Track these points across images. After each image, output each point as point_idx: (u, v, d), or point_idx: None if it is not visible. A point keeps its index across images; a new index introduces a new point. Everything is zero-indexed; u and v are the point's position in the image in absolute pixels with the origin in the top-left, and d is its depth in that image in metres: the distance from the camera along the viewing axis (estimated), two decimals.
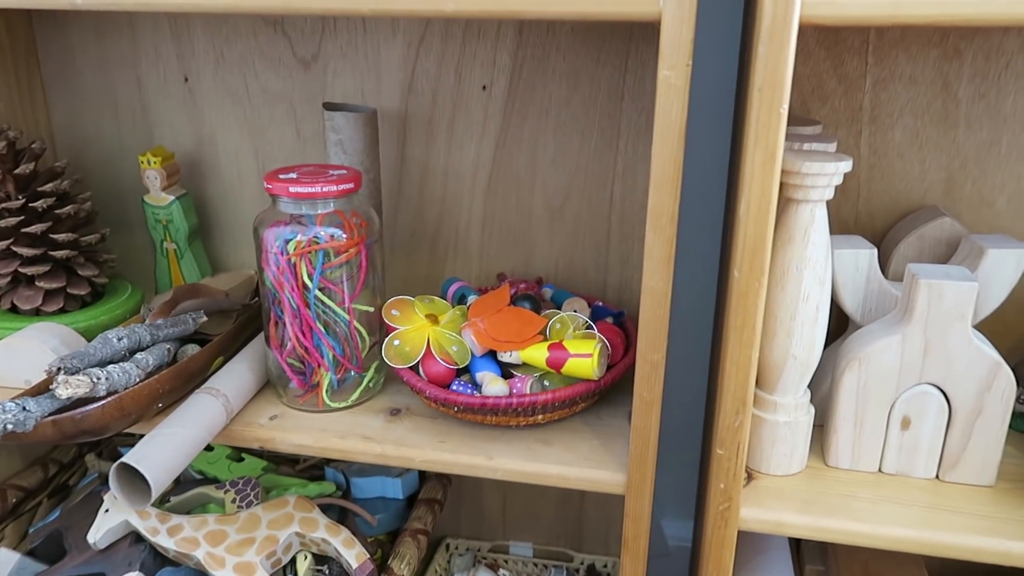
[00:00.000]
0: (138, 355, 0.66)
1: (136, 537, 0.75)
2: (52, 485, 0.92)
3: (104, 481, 0.91)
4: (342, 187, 0.64)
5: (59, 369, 0.59)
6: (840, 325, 0.68)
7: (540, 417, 0.64)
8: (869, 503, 0.57)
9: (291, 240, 0.64)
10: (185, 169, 0.89)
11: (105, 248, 0.86)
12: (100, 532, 0.74)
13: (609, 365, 0.66)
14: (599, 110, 0.78)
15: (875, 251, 0.62)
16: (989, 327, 0.67)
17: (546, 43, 0.77)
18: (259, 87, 0.84)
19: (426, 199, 0.85)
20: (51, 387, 0.59)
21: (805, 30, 0.45)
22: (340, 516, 0.81)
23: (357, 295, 0.67)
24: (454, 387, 0.64)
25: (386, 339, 0.67)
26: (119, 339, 0.65)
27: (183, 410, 0.63)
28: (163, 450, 0.58)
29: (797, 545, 0.78)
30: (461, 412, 0.64)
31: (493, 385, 0.63)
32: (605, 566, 0.97)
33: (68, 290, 0.79)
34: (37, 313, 0.79)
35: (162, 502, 0.81)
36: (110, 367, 0.62)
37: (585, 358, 0.62)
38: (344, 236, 0.65)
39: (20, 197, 0.76)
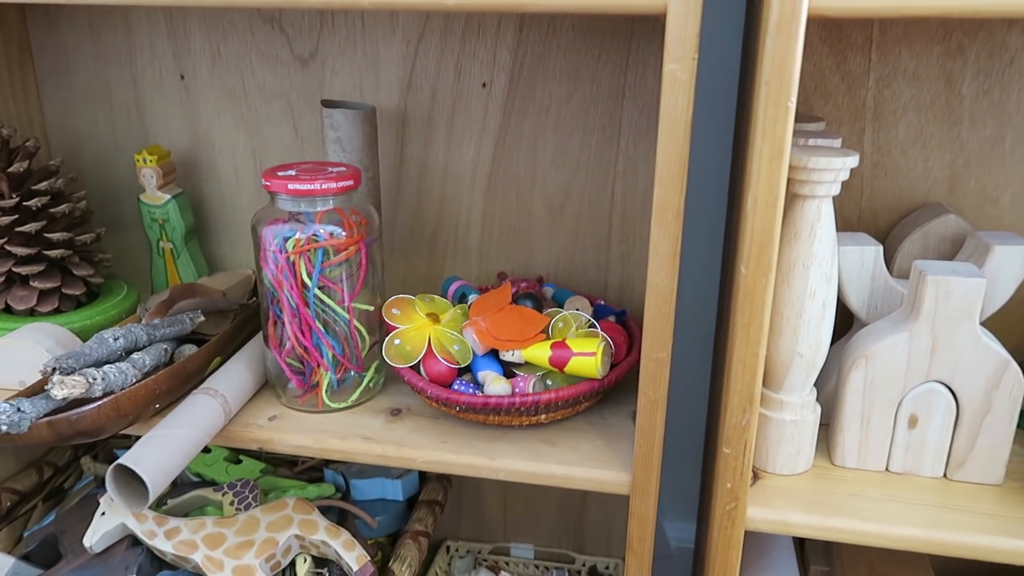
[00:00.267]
0: (135, 355, 0.65)
1: (133, 540, 0.74)
2: (47, 488, 0.91)
3: (100, 484, 0.90)
4: (341, 184, 0.63)
5: (54, 369, 0.58)
6: (844, 324, 0.68)
7: (543, 417, 0.63)
8: (876, 502, 0.56)
9: (290, 238, 0.63)
10: (181, 168, 0.88)
11: (100, 248, 0.85)
12: (96, 535, 0.73)
13: (612, 364, 0.65)
14: (600, 108, 0.78)
15: (880, 248, 0.61)
16: (994, 324, 0.66)
17: (547, 40, 0.76)
18: (256, 85, 0.84)
19: (425, 198, 0.84)
20: (46, 388, 0.58)
21: (808, 25, 0.45)
22: (340, 518, 0.80)
23: (357, 294, 0.66)
24: (456, 387, 0.64)
25: (386, 338, 0.66)
26: (115, 339, 0.64)
27: (180, 411, 0.62)
28: (160, 451, 0.58)
29: (801, 545, 0.78)
30: (463, 412, 0.63)
31: (495, 384, 0.62)
32: (607, 568, 0.97)
33: (63, 290, 0.78)
34: (32, 313, 0.78)
35: (159, 505, 0.80)
36: (106, 367, 0.61)
37: (588, 357, 0.61)
38: (344, 234, 0.64)
39: (14, 196, 0.75)
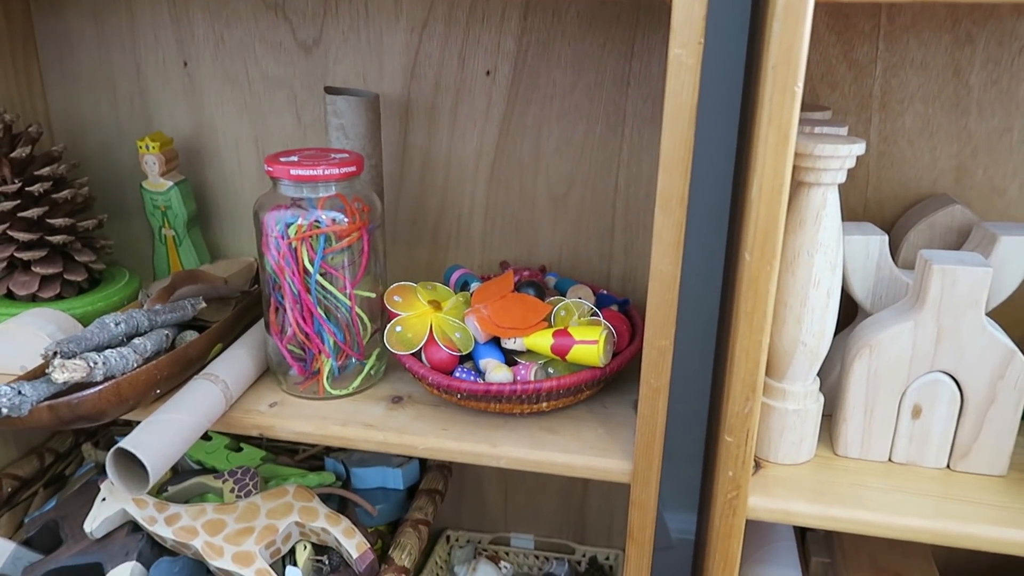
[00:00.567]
0: (136, 340, 0.65)
1: (133, 526, 0.74)
2: (48, 475, 0.91)
3: (101, 470, 0.90)
4: (344, 170, 0.63)
5: (55, 353, 0.58)
6: (849, 314, 0.67)
7: (544, 405, 0.63)
8: (879, 492, 0.56)
9: (292, 224, 0.63)
10: (184, 155, 0.88)
11: (102, 234, 0.85)
12: (96, 521, 0.73)
13: (614, 352, 0.65)
14: (604, 97, 0.77)
15: (886, 237, 0.61)
16: (1000, 316, 0.66)
17: (551, 28, 0.76)
18: (259, 72, 0.83)
19: (428, 186, 0.84)
20: (47, 371, 0.58)
21: (816, 12, 0.45)
22: (340, 506, 0.80)
23: (359, 281, 0.66)
24: (457, 374, 0.63)
25: (388, 325, 0.66)
26: (116, 324, 0.64)
27: (181, 396, 0.62)
28: (161, 436, 0.57)
29: (802, 537, 0.77)
30: (464, 399, 0.63)
31: (497, 372, 0.62)
32: (607, 559, 0.97)
33: (65, 276, 0.78)
34: (33, 299, 0.78)
35: (160, 491, 0.80)
36: (107, 352, 0.61)
37: (591, 345, 0.61)
38: (346, 220, 0.63)
39: (16, 181, 0.75)
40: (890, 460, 0.59)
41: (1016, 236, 0.59)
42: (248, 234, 0.91)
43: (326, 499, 0.79)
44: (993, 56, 0.67)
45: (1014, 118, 0.68)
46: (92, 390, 0.59)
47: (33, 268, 0.76)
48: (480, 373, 0.64)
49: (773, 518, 0.55)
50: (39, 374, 0.62)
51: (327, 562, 0.73)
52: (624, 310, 0.72)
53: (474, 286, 0.71)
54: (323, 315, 0.65)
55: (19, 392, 0.56)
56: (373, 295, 0.68)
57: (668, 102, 0.49)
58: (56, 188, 0.78)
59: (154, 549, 0.73)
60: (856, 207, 0.73)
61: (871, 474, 0.58)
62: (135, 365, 0.63)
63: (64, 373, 0.57)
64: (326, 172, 0.62)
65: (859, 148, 0.52)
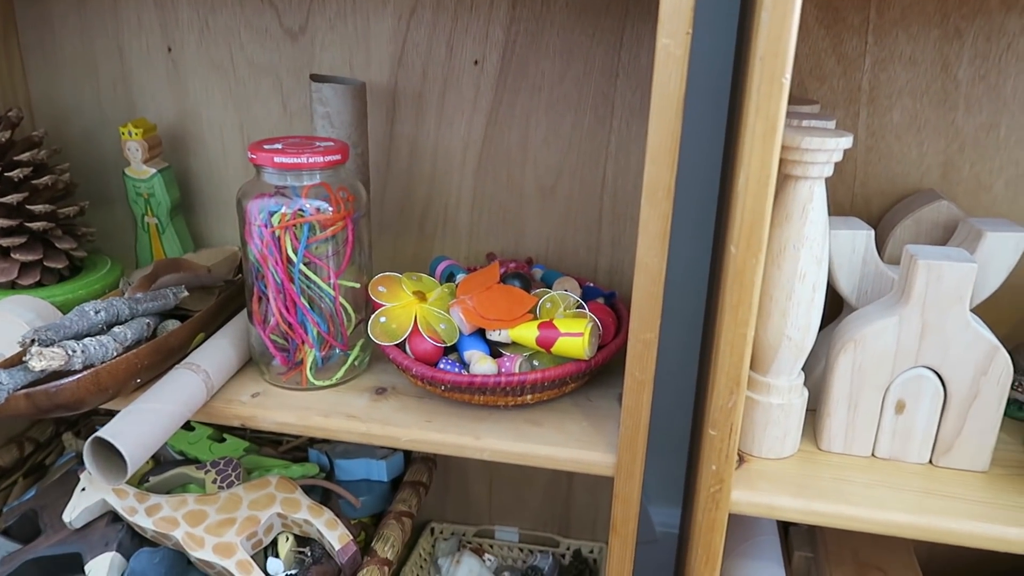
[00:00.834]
0: (116, 329, 0.64)
1: (113, 517, 0.74)
2: (28, 464, 0.90)
3: (81, 460, 0.89)
4: (328, 158, 0.62)
5: (33, 340, 0.57)
6: (834, 309, 0.67)
7: (529, 397, 0.63)
8: (862, 487, 0.56)
9: (275, 212, 0.62)
10: (168, 142, 0.87)
11: (84, 221, 0.84)
12: (76, 511, 0.72)
13: (600, 345, 0.64)
14: (593, 88, 0.77)
15: (872, 232, 0.61)
16: (984, 313, 0.66)
17: (540, 18, 0.75)
18: (245, 59, 0.82)
19: (415, 177, 0.83)
20: (24, 359, 0.57)
21: (805, 5, 0.44)
22: (323, 498, 0.80)
23: (343, 271, 0.65)
24: (441, 366, 0.63)
25: (372, 316, 0.65)
26: (96, 312, 0.63)
27: (162, 386, 0.61)
28: (140, 425, 0.57)
29: (785, 531, 0.78)
30: (448, 391, 0.63)
31: (481, 364, 0.62)
32: (591, 552, 0.96)
33: (45, 263, 0.77)
34: (12, 286, 0.76)
35: (141, 482, 0.79)
36: (87, 340, 0.60)
37: (576, 337, 0.60)
38: (330, 209, 0.63)
39: None
40: (873, 455, 0.59)
41: (1001, 232, 0.59)
42: (232, 223, 0.90)
43: (309, 490, 0.78)
44: (981, 51, 0.67)
45: (1001, 114, 0.68)
46: (71, 379, 0.58)
47: (12, 255, 0.75)
48: (465, 365, 0.63)
49: (756, 512, 0.55)
50: (16, 362, 0.61)
51: (309, 554, 0.73)
52: (610, 303, 0.72)
53: (460, 277, 0.70)
54: (307, 305, 0.64)
55: None
56: (357, 285, 0.67)
57: (655, 92, 0.49)
58: (37, 174, 0.77)
59: (134, 540, 0.72)
60: (843, 202, 0.73)
61: (854, 469, 0.58)
62: (115, 354, 0.62)
63: (42, 361, 0.56)
64: (310, 160, 0.61)
65: (846, 141, 0.52)
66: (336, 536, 0.71)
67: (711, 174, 0.65)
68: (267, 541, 0.73)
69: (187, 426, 0.88)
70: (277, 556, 0.72)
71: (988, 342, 0.55)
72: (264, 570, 0.71)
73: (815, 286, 0.55)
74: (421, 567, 0.94)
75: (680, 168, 0.50)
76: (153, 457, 0.85)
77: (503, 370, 0.62)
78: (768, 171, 0.47)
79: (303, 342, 0.66)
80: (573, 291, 0.70)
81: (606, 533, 0.97)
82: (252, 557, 0.69)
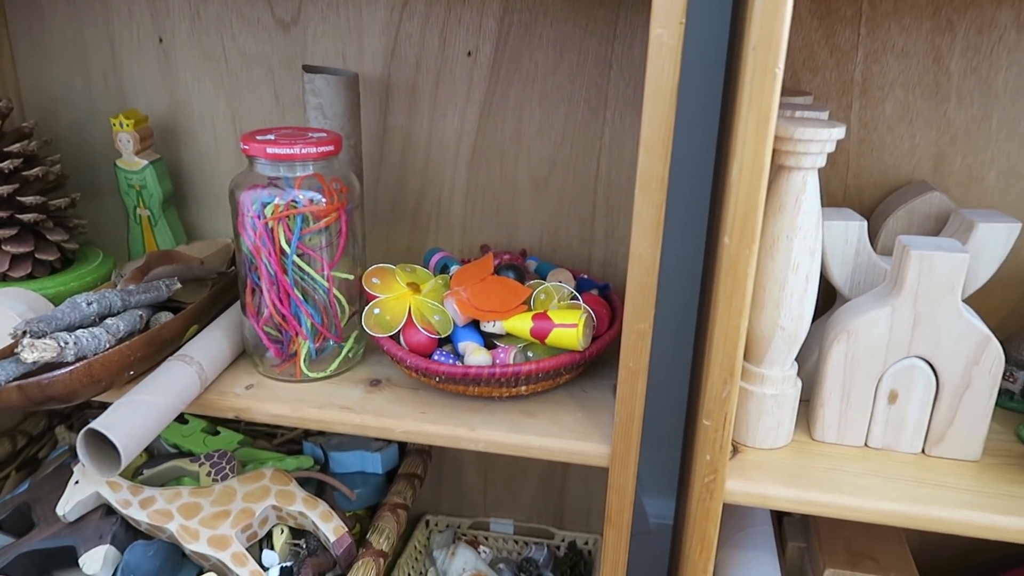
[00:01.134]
0: (108, 321, 0.64)
1: (107, 510, 0.74)
2: (21, 458, 0.89)
3: (74, 453, 0.88)
4: (321, 149, 0.62)
5: (25, 332, 0.57)
6: (827, 300, 0.67)
7: (523, 388, 0.63)
8: (855, 477, 0.56)
9: (268, 204, 0.62)
10: (159, 134, 0.86)
11: (75, 213, 0.83)
12: (70, 504, 0.72)
13: (594, 337, 0.64)
14: (586, 79, 0.76)
15: (865, 223, 0.61)
16: (976, 303, 0.66)
17: (533, 9, 0.75)
18: (236, 49, 0.82)
19: (408, 169, 0.83)
20: (16, 351, 0.57)
21: None
22: (318, 490, 0.80)
23: (337, 262, 0.65)
24: (436, 357, 0.63)
25: (366, 307, 0.65)
26: (89, 304, 0.63)
27: (155, 378, 0.61)
28: (134, 417, 0.57)
29: (779, 522, 0.78)
30: (443, 383, 0.63)
31: (476, 355, 0.62)
32: (586, 543, 0.97)
33: (36, 255, 0.76)
34: (4, 279, 0.76)
35: (135, 475, 0.79)
36: (79, 332, 0.60)
37: (570, 328, 0.60)
38: (323, 200, 0.63)
39: None
40: (866, 445, 0.60)
41: (993, 224, 0.60)
42: (225, 215, 0.89)
43: (304, 483, 0.78)
44: (973, 44, 0.67)
45: (993, 106, 0.68)
46: (63, 370, 0.58)
47: (3, 247, 0.75)
48: (459, 356, 0.63)
49: (750, 502, 0.55)
50: (8, 354, 0.60)
51: (304, 546, 0.73)
52: (604, 294, 0.72)
53: (454, 269, 0.70)
54: (300, 297, 0.64)
55: None
56: (351, 277, 0.67)
57: (649, 82, 0.49)
58: (27, 165, 0.76)
59: (128, 532, 0.72)
60: (836, 193, 0.73)
61: (847, 459, 0.58)
62: (108, 346, 0.62)
63: (34, 353, 0.56)
64: (303, 151, 0.61)
65: (839, 132, 0.52)
66: (331, 528, 0.71)
67: (704, 165, 0.65)
68: (262, 533, 0.73)
69: (181, 419, 0.88)
70: (272, 548, 0.72)
71: (980, 332, 0.55)
72: (259, 562, 0.71)
73: (808, 276, 0.55)
74: (416, 559, 0.95)
75: (673, 159, 0.50)
76: (147, 450, 0.84)
77: (497, 361, 0.62)
78: (761, 162, 0.47)
79: (297, 334, 0.66)
80: (567, 282, 0.70)
81: (600, 525, 0.97)
82: (247, 549, 0.69)
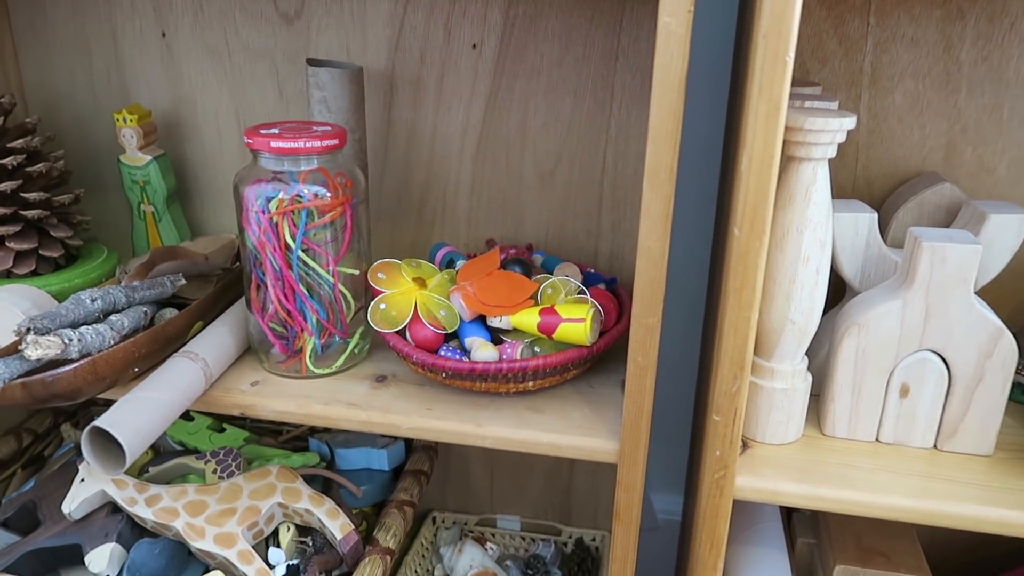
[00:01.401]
0: (113, 317, 0.63)
1: (113, 507, 0.73)
2: (26, 455, 0.89)
3: (80, 451, 0.88)
4: (326, 143, 0.61)
5: (29, 329, 0.57)
6: (837, 293, 0.67)
7: (531, 384, 0.62)
8: (866, 472, 0.56)
9: (273, 198, 0.61)
10: (163, 129, 0.86)
11: (79, 210, 0.83)
12: (75, 502, 0.72)
13: (602, 332, 0.64)
14: (592, 71, 0.76)
15: (875, 215, 0.60)
16: (988, 296, 0.66)
17: (539, 0, 0.74)
18: (240, 43, 0.81)
19: (413, 162, 0.82)
20: (20, 348, 0.57)
21: None
22: (324, 487, 0.79)
23: (342, 257, 0.65)
24: (442, 352, 0.62)
25: (372, 303, 0.64)
26: (93, 300, 0.63)
27: (160, 374, 0.61)
28: (139, 415, 0.56)
29: (788, 517, 0.77)
30: (449, 378, 0.62)
31: (483, 351, 0.61)
32: (593, 539, 0.96)
33: (40, 252, 0.76)
34: (8, 275, 0.76)
35: (140, 472, 0.79)
36: (83, 328, 0.60)
37: (577, 323, 0.60)
38: (328, 195, 0.62)
39: None
40: (877, 440, 0.59)
41: (1005, 215, 0.59)
42: (229, 211, 0.89)
43: (310, 480, 0.78)
44: (984, 32, 0.66)
45: (1004, 96, 0.68)
46: (67, 368, 0.58)
47: (7, 243, 0.74)
48: (465, 351, 0.63)
49: (760, 498, 0.54)
50: (12, 351, 0.60)
51: (311, 543, 0.73)
52: (612, 289, 0.71)
53: (460, 263, 0.69)
54: (305, 292, 0.64)
55: None
56: (356, 272, 0.66)
57: (657, 72, 0.48)
58: (30, 161, 0.76)
59: (134, 530, 0.72)
60: (845, 185, 0.73)
61: (858, 454, 0.58)
62: (112, 342, 0.61)
63: (38, 350, 0.56)
64: (308, 145, 0.61)
65: (850, 122, 0.52)
66: (337, 526, 0.70)
67: (712, 156, 0.64)
68: (268, 531, 0.73)
69: (186, 416, 0.88)
70: (278, 546, 0.72)
71: (993, 324, 0.55)
72: (266, 560, 0.71)
73: (819, 269, 0.54)
74: (423, 556, 0.94)
75: (682, 150, 0.50)
76: (152, 447, 0.84)
77: (504, 357, 0.62)
78: (772, 152, 0.46)
79: (302, 330, 0.65)
80: (574, 277, 0.70)
81: (608, 521, 0.97)
82: (253, 547, 0.69)
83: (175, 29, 0.82)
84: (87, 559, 0.69)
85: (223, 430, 0.88)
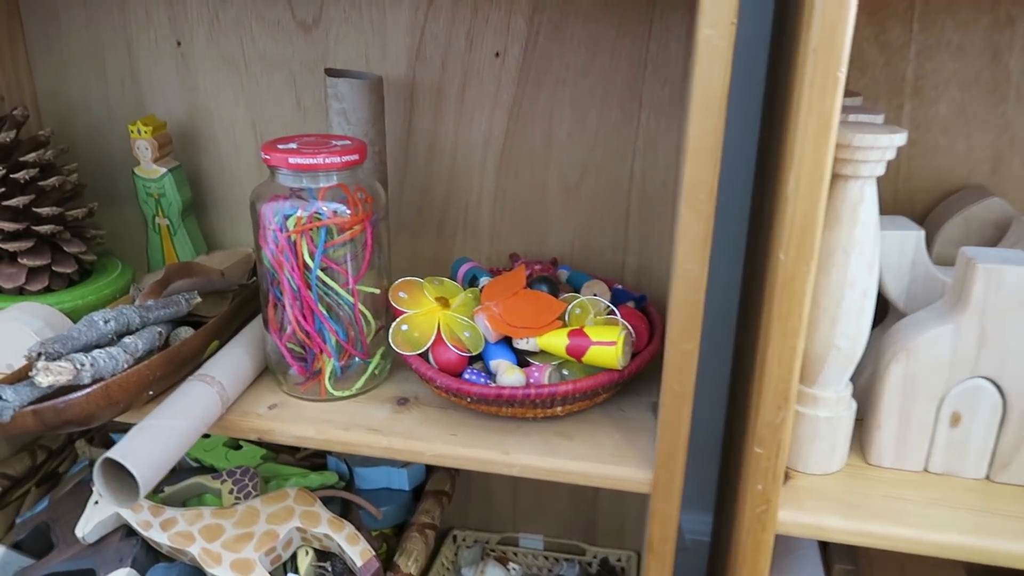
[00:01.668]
0: (126, 339, 0.61)
1: (128, 531, 0.71)
2: (41, 473, 0.88)
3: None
4: (346, 158, 0.59)
5: (39, 354, 0.55)
6: (878, 314, 0.64)
7: (559, 409, 0.60)
8: (916, 505, 0.53)
9: (291, 216, 0.59)
10: (178, 140, 0.84)
11: (93, 223, 0.81)
12: (89, 525, 0.70)
13: (632, 353, 0.61)
14: (619, 80, 0.73)
15: (923, 233, 0.57)
16: None
17: (564, 7, 0.72)
18: (256, 53, 0.79)
19: (434, 174, 0.80)
20: (30, 374, 0.55)
21: None
22: (343, 508, 0.77)
23: (362, 276, 0.62)
24: (466, 376, 0.60)
25: (393, 324, 0.62)
26: (106, 322, 0.61)
27: (175, 399, 0.59)
28: (153, 444, 0.54)
29: (824, 543, 0.74)
30: (474, 403, 0.60)
31: (509, 375, 0.58)
32: (619, 560, 0.94)
33: (53, 268, 0.74)
34: (21, 292, 0.74)
35: (156, 492, 0.77)
36: (95, 352, 0.58)
37: (609, 346, 0.57)
38: (348, 212, 0.60)
39: (0, 167, 0.71)
40: (926, 470, 0.56)
41: None
42: (246, 223, 0.87)
43: (328, 501, 0.76)
44: None
45: None
46: (79, 393, 0.56)
47: (20, 260, 0.73)
48: (490, 375, 0.60)
49: (805, 533, 0.52)
50: (22, 376, 0.58)
51: (330, 569, 0.70)
52: (641, 307, 0.68)
53: (483, 281, 0.67)
54: (324, 312, 0.62)
55: (0, 397, 0.53)
56: (377, 291, 0.64)
57: (696, 87, 0.45)
58: (43, 175, 0.74)
59: (149, 555, 0.70)
60: (886, 198, 0.69)
61: (906, 485, 0.55)
62: (126, 366, 0.59)
63: (48, 376, 0.54)
64: (327, 160, 0.58)
65: (900, 138, 0.49)
66: (358, 552, 0.68)
67: (744, 175, 0.61)
68: (286, 556, 0.71)
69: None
70: (296, 571, 0.70)
71: None
72: None
73: (866, 292, 0.51)
74: None
75: None
76: None
77: (531, 380, 0.59)
78: (821, 172, 0.44)
79: (321, 351, 0.63)
80: (603, 295, 0.67)
81: (634, 540, 0.94)
82: (271, 573, 0.67)
83: (190, 38, 0.80)
84: None
85: (239, 447, 0.86)
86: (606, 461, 0.57)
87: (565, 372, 0.60)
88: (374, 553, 0.69)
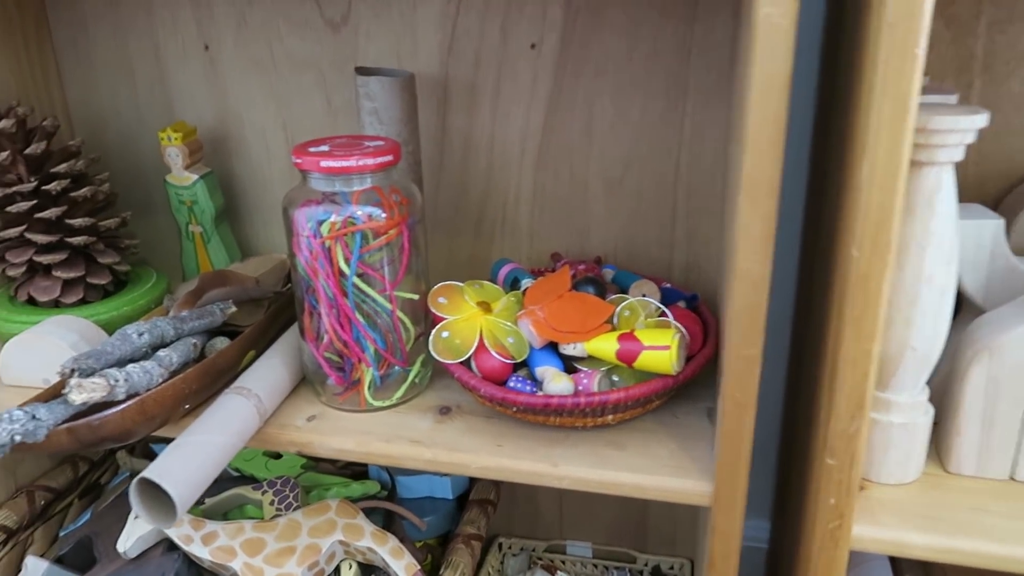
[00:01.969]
0: (161, 352, 0.60)
1: (169, 544, 0.70)
2: (83, 485, 0.87)
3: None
4: (380, 160, 0.56)
5: (72, 371, 0.53)
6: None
7: (610, 417, 0.56)
8: (1002, 518, 0.48)
9: (324, 221, 0.57)
10: (209, 145, 0.82)
11: (127, 233, 0.80)
12: (131, 540, 0.69)
13: (687, 357, 0.58)
14: (663, 68, 0.69)
15: (1003, 222, 0.53)
16: None
17: None
18: (285, 53, 0.77)
19: (470, 172, 0.77)
20: (64, 392, 0.53)
21: None
22: (386, 519, 0.75)
23: (399, 281, 0.60)
24: (511, 384, 0.57)
25: (433, 330, 0.59)
26: (139, 335, 0.59)
27: (211, 413, 0.57)
28: (190, 462, 0.52)
29: None
30: (520, 412, 0.57)
31: (556, 382, 0.55)
32: (672, 568, 0.90)
33: (88, 279, 0.73)
34: (56, 305, 0.73)
35: (196, 504, 0.76)
36: (130, 367, 0.56)
37: (662, 351, 0.54)
38: (383, 215, 0.57)
39: (32, 179, 0.70)
40: (1012, 478, 0.52)
41: None
42: (280, 228, 0.85)
43: (371, 512, 0.73)
44: None
45: None
46: (114, 409, 0.54)
47: (54, 272, 0.72)
48: (536, 382, 0.57)
49: (882, 550, 0.48)
50: (56, 393, 0.57)
51: None
52: (693, 306, 0.65)
53: (525, 283, 0.64)
54: (362, 320, 0.59)
55: (33, 416, 0.51)
56: (416, 296, 0.62)
57: (756, 72, 0.41)
58: (75, 185, 0.73)
59: (191, 569, 0.69)
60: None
61: (990, 495, 0.51)
62: (161, 380, 0.58)
63: (82, 393, 0.52)
64: (360, 163, 0.56)
65: (981, 119, 0.44)
66: (402, 566, 0.66)
67: (797, 164, 0.58)
68: (329, 570, 0.69)
69: None
70: None
71: None
72: None
73: (944, 290, 0.47)
74: None
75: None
76: None
77: (580, 388, 0.56)
78: (899, 159, 0.40)
79: (359, 360, 0.60)
80: (652, 295, 0.64)
81: (687, 547, 0.91)
82: None
83: (218, 42, 0.78)
84: None
85: (279, 456, 0.84)
86: (662, 472, 0.54)
87: (615, 378, 0.57)
88: (419, 567, 0.66)
